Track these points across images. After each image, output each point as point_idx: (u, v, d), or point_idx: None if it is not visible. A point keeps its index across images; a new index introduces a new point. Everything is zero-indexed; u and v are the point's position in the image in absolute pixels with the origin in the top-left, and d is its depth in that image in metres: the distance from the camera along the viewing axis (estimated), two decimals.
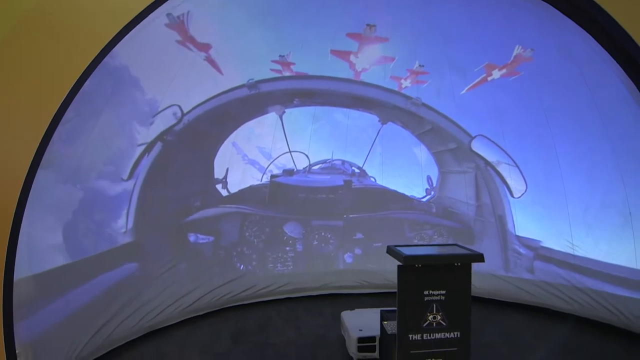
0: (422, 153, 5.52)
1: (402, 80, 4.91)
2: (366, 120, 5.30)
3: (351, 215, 5.84)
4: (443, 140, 5.36)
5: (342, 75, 4.62)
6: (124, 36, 2.72)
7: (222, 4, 3.51)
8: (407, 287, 2.50)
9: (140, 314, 4.08)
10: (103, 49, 2.64)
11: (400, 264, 2.52)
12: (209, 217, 5.05)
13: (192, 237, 4.95)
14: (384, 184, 5.81)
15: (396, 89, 4.99)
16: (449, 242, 4.71)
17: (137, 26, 2.75)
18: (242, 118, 4.86)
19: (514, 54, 4.10)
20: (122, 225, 4.12)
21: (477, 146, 5.16)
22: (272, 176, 5.43)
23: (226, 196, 5.20)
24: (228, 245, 5.17)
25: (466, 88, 4.80)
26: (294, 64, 4.39)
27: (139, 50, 3.35)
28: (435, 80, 4.78)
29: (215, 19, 3.57)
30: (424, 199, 5.83)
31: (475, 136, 5.09)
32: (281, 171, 5.47)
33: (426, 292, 2.52)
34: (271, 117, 5.03)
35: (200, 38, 3.64)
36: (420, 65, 4.69)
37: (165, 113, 4.19)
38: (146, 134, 4.05)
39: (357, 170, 5.79)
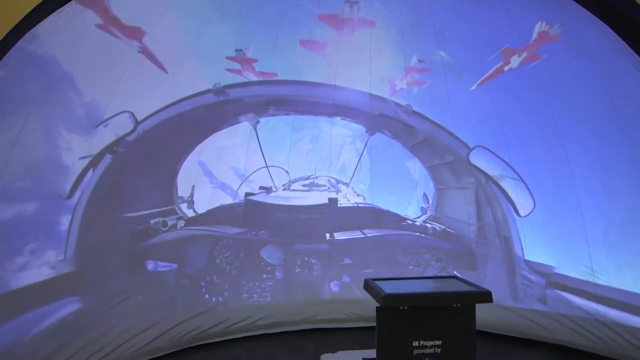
0: (416, 167, 4.96)
1: (397, 81, 4.37)
2: (352, 130, 4.78)
3: (338, 238, 5.23)
4: (438, 152, 4.84)
5: (320, 76, 4.09)
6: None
7: None
8: (389, 337, 1.90)
9: (82, 357, 3.41)
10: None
11: (380, 305, 1.91)
12: (171, 240, 4.43)
13: (150, 265, 4.32)
14: (375, 202, 5.23)
15: (388, 93, 4.46)
16: (448, 273, 4.14)
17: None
18: (209, 128, 4.34)
19: (538, 31, 3.53)
20: (60, 252, 3.52)
21: (476, 158, 4.62)
22: (247, 194, 4.86)
23: (193, 217, 4.61)
24: (194, 273, 4.52)
25: (478, 82, 4.23)
26: (255, 60, 3.84)
27: (71, 40, 2.83)
28: (427, 84, 4.28)
29: None
30: (420, 219, 5.24)
31: (473, 147, 4.57)
32: (257, 188, 4.90)
33: (416, 344, 1.91)
34: (243, 127, 4.50)
35: (128, 19, 3.05)
36: (419, 61, 4.16)
37: (113, 121, 3.66)
38: (89, 145, 3.51)
39: (343, 187, 5.23)
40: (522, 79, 3.75)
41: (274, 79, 4.19)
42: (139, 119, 3.81)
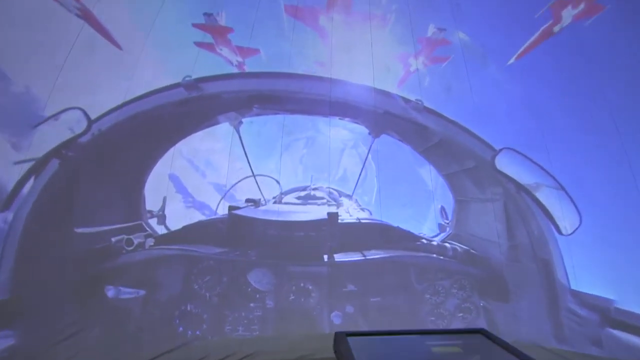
0: (431, 175, 4.19)
1: (411, 59, 3.62)
2: (353, 132, 4.09)
3: (339, 259, 4.45)
4: (457, 157, 4.07)
5: (313, 58, 3.41)
6: None
7: None
8: None
9: None
10: None
11: None
12: (137, 262, 3.79)
13: (110, 291, 3.69)
14: (383, 218, 4.46)
15: (397, 81, 3.73)
16: (472, 306, 3.30)
17: None
18: (182, 130, 3.74)
19: None
20: None
21: (504, 163, 3.82)
22: (231, 207, 4.20)
23: (164, 234, 3.99)
24: (166, 302, 3.83)
25: (519, 51, 3.45)
26: (231, 30, 3.19)
27: None
28: (441, 71, 3.55)
29: None
30: (437, 238, 4.42)
31: (500, 150, 3.77)
32: (243, 201, 4.24)
33: None
34: (224, 129, 3.88)
35: None
36: (438, 29, 3.40)
37: (59, 119, 3.13)
38: (27, 148, 2.97)
39: (345, 200, 4.50)
40: (567, 54, 2.92)
41: (259, 71, 3.58)
42: (93, 117, 3.30)
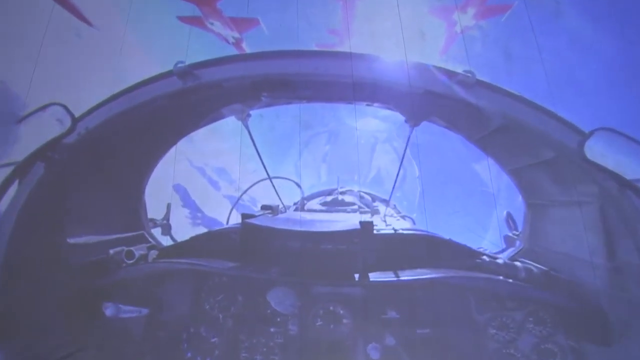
0: (491, 173, 3.23)
1: (456, 15, 2.91)
2: (386, 121, 3.39)
3: (376, 279, 3.66)
4: (526, 145, 3.08)
5: (326, 27, 2.79)
6: None
7: None
8: None
9: None
10: None
11: None
12: (140, 277, 3.42)
13: (109, 309, 3.35)
14: (429, 228, 3.59)
15: (440, 45, 2.93)
16: (557, 347, 2.29)
17: None
18: (181, 126, 3.30)
19: None
20: None
21: (599, 151, 2.73)
22: (244, 216, 3.66)
23: (170, 246, 3.58)
24: (173, 323, 3.40)
25: None
26: None
27: None
28: (498, 30, 2.67)
29: None
30: (504, 254, 3.42)
31: (592, 132, 2.71)
32: (258, 208, 3.68)
33: None
34: (231, 124, 3.37)
35: None
36: None
37: (40, 116, 2.87)
38: (6, 149, 2.74)
39: (381, 206, 3.70)
40: None
41: (262, 50, 3.03)
42: (77, 114, 3.00)
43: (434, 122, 3.40)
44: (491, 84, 3.02)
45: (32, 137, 2.88)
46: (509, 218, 3.56)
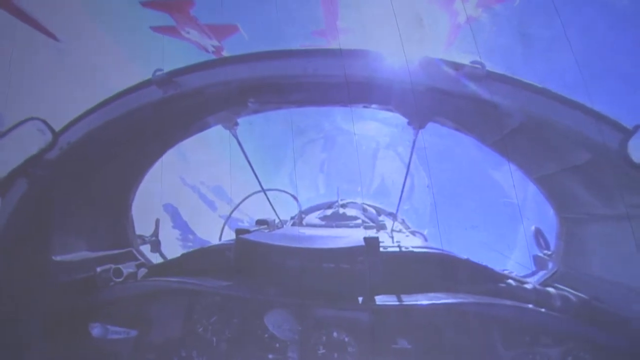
0: (513, 180, 2.72)
1: (457, 3, 2.53)
2: (387, 124, 3.01)
3: (384, 303, 3.23)
4: (554, 147, 2.55)
5: (311, 26, 2.52)
6: None
7: None
8: None
9: None
10: None
11: None
12: (129, 296, 3.25)
13: (96, 330, 3.17)
14: (444, 245, 3.11)
15: (445, 36, 2.55)
16: None
17: None
18: (166, 137, 3.12)
19: None
20: None
21: None
22: (239, 231, 3.40)
23: (160, 263, 3.40)
24: (163, 345, 3.14)
25: None
26: (191, 4, 2.53)
27: None
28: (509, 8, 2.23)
29: None
30: (534, 278, 2.87)
31: (638, 126, 2.16)
32: (253, 223, 3.42)
33: None
34: (218, 133, 3.16)
35: None
36: None
37: (19, 132, 2.81)
38: None
39: (387, 220, 3.29)
40: None
41: (245, 53, 2.80)
42: (57, 128, 2.94)
43: (441, 123, 2.96)
44: (505, 75, 2.55)
45: (13, 154, 2.87)
46: (539, 235, 2.98)
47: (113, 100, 2.92)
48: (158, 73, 2.93)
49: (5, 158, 2.85)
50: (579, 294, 2.68)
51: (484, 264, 3.05)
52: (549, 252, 2.98)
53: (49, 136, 2.91)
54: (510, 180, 2.68)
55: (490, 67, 2.50)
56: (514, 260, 2.91)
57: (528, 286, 2.95)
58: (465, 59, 2.54)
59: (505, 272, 3.02)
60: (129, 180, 3.29)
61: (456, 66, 2.61)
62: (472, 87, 2.58)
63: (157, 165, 3.21)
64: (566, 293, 2.75)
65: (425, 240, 3.46)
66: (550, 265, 2.93)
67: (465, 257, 3.16)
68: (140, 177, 3.31)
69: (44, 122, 2.92)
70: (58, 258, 3.16)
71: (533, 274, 2.98)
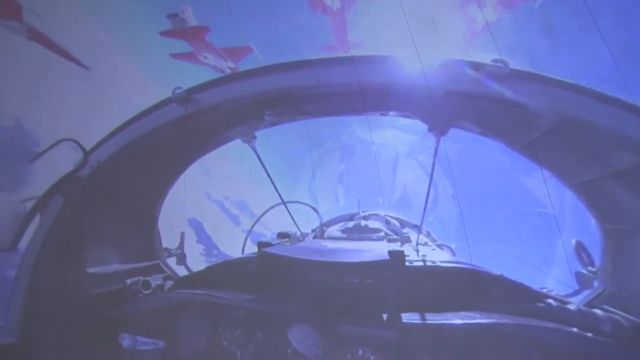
0: (548, 189, 2.44)
1: (473, 8, 2.40)
2: (407, 131, 2.84)
3: (411, 321, 3.02)
4: (593, 150, 2.25)
5: (323, 41, 2.47)
6: None
7: None
8: None
9: None
10: None
11: None
12: (157, 308, 3.33)
13: (126, 340, 3.27)
14: (474, 260, 2.85)
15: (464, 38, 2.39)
16: None
17: None
18: (188, 152, 3.18)
19: None
20: None
21: None
22: (261, 244, 3.37)
23: (185, 276, 3.44)
24: (189, 357, 3.21)
25: None
26: (206, 30, 2.60)
27: None
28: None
29: None
30: (577, 298, 2.53)
31: None
32: (274, 236, 3.37)
33: None
34: (237, 147, 3.17)
35: None
36: None
37: (54, 152, 3.01)
38: (29, 185, 2.92)
39: (412, 233, 3.09)
40: None
41: (257, 67, 2.80)
42: (87, 147, 3.10)
43: (464, 128, 2.74)
44: (531, 72, 2.30)
45: (49, 173, 3.10)
46: (580, 249, 2.62)
47: (137, 120, 3.07)
48: (177, 91, 3.03)
49: (43, 177, 3.11)
50: (631, 318, 2.32)
51: (519, 281, 2.77)
52: (594, 269, 2.61)
53: (80, 155, 3.15)
54: (543, 188, 2.41)
55: (513, 65, 2.31)
56: (553, 278, 2.58)
57: (571, 307, 2.61)
58: (485, 58, 2.37)
59: (544, 290, 2.70)
60: (154, 195, 3.41)
61: (476, 66, 2.42)
62: (496, 87, 2.38)
63: (182, 180, 3.33)
64: (616, 316, 2.39)
65: (453, 254, 3.21)
66: (595, 283, 2.57)
67: (498, 273, 2.90)
68: (165, 192, 3.43)
69: (76, 142, 3.14)
70: (91, 270, 3.34)
71: (576, 293, 2.62)
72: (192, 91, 2.98)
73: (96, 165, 3.08)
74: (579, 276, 2.65)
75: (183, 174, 3.24)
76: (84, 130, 2.94)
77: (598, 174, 2.35)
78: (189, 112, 3.04)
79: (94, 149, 3.04)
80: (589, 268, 2.65)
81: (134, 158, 3.14)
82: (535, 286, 2.69)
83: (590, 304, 2.50)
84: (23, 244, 3.01)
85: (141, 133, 3.09)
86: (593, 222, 2.46)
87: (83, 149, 3.03)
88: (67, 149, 3.00)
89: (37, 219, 3.05)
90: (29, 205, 3.02)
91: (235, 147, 3.07)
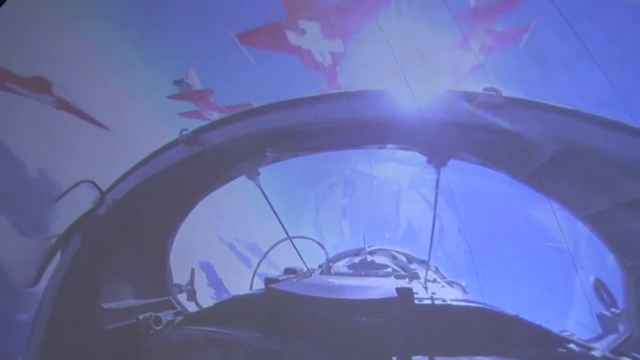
0: (558, 222, 2.23)
1: (456, 51, 2.29)
2: (407, 163, 2.72)
3: None
4: (601, 178, 2.05)
5: (305, 87, 2.54)
6: None
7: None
8: None
9: None
10: None
11: None
12: (167, 344, 3.31)
13: None
14: (486, 298, 2.62)
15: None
16: None
17: None
18: (196, 190, 3.27)
19: None
20: (20, 352, 3.05)
21: None
22: (268, 280, 3.33)
23: (195, 312, 3.44)
24: None
25: None
26: (210, 92, 2.73)
27: None
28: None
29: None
30: (602, 343, 2.23)
31: None
32: (281, 272, 3.33)
33: None
34: (243, 184, 3.22)
35: (24, 65, 2.59)
36: None
37: (73, 194, 3.21)
38: (53, 224, 3.12)
39: (419, 268, 2.93)
40: None
41: (256, 107, 2.89)
42: (104, 188, 3.29)
43: (464, 159, 2.62)
44: (526, 99, 2.21)
45: (69, 213, 3.32)
46: (600, 287, 2.31)
47: (148, 160, 3.23)
48: (184, 132, 3.20)
49: (64, 217, 3.34)
50: None
51: (537, 322, 2.52)
52: (617, 311, 2.31)
53: (97, 195, 3.37)
54: (553, 220, 2.22)
55: (506, 94, 2.22)
56: (573, 320, 2.31)
57: (596, 353, 2.30)
58: (477, 87, 2.31)
59: (565, 333, 2.41)
60: (166, 231, 3.52)
61: (469, 97, 2.36)
62: (490, 116, 2.30)
63: (193, 221, 3.44)
64: None
65: (465, 292, 2.99)
66: (621, 327, 2.25)
67: (513, 313, 2.66)
68: (175, 228, 3.53)
69: (93, 183, 3.37)
70: (106, 305, 3.47)
71: (600, 337, 2.31)
72: (197, 132, 3.12)
73: (112, 204, 3.25)
74: (602, 318, 2.35)
75: (195, 216, 3.36)
76: (100, 172, 3.16)
77: (610, 204, 2.13)
78: (196, 151, 3.18)
79: (110, 188, 3.23)
80: (612, 309, 2.34)
81: (146, 196, 3.28)
82: (555, 329, 2.43)
83: (616, 350, 2.20)
84: (44, 280, 3.25)
85: (152, 173, 3.26)
86: (611, 257, 2.22)
87: (100, 189, 3.24)
88: (86, 189, 3.24)
89: (57, 257, 3.29)
90: (51, 243, 3.28)
91: (244, 185, 3.16)
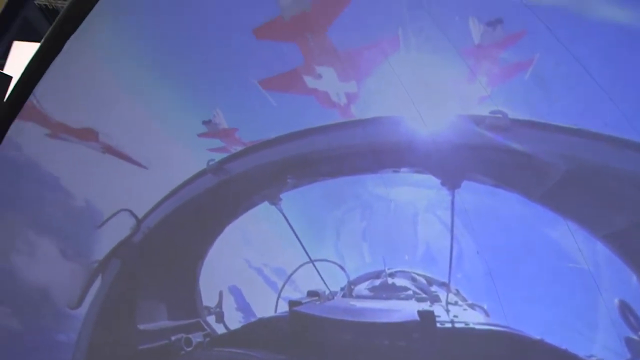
0: (577, 242, 2.17)
1: (463, 84, 2.34)
2: (422, 186, 2.73)
3: None
4: (617, 196, 2.01)
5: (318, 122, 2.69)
6: None
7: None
8: None
9: None
10: None
11: None
12: None
13: None
14: (509, 322, 2.55)
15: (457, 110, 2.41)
16: None
17: None
18: (222, 216, 3.45)
19: None
20: None
21: None
22: (292, 303, 3.40)
23: (224, 334, 3.54)
24: None
25: None
26: (235, 129, 2.94)
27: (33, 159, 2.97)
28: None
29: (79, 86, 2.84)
30: None
31: None
32: (304, 295, 3.40)
33: None
34: (265, 210, 3.38)
35: (75, 122, 2.91)
36: (490, 24, 2.10)
37: (113, 222, 3.47)
38: (95, 250, 3.39)
39: (440, 291, 2.90)
40: None
41: (274, 137, 3.06)
42: (140, 216, 3.55)
43: (477, 180, 2.65)
44: (532, 121, 2.23)
45: (109, 240, 3.61)
46: (626, 310, 2.18)
47: (179, 190, 3.49)
48: (211, 163, 3.45)
49: (106, 243, 3.63)
50: None
51: (562, 346, 2.42)
52: None
53: (134, 223, 3.66)
54: (571, 240, 2.17)
55: (513, 115, 2.26)
56: (600, 344, 2.18)
57: None
58: (483, 110, 2.36)
59: (593, 359, 2.32)
60: (195, 256, 3.71)
61: (477, 120, 2.42)
62: (499, 139, 2.34)
63: (220, 245, 3.65)
64: None
65: (487, 315, 2.90)
66: None
67: (538, 337, 2.57)
68: (204, 253, 3.72)
69: (131, 212, 3.67)
70: (142, 327, 3.69)
71: None
72: (223, 162, 3.36)
73: (147, 231, 3.52)
74: (630, 343, 2.22)
75: (223, 242, 3.56)
76: (138, 202, 3.46)
77: (628, 222, 2.08)
78: (222, 179, 3.41)
79: (145, 217, 3.51)
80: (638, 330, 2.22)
81: (178, 223, 3.53)
82: (582, 353, 2.32)
83: None
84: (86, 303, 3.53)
85: (183, 201, 3.50)
86: (634, 278, 2.12)
87: (136, 217, 3.53)
88: (124, 217, 3.54)
89: (98, 281, 3.57)
90: (93, 268, 3.57)
91: (268, 213, 3.33)
